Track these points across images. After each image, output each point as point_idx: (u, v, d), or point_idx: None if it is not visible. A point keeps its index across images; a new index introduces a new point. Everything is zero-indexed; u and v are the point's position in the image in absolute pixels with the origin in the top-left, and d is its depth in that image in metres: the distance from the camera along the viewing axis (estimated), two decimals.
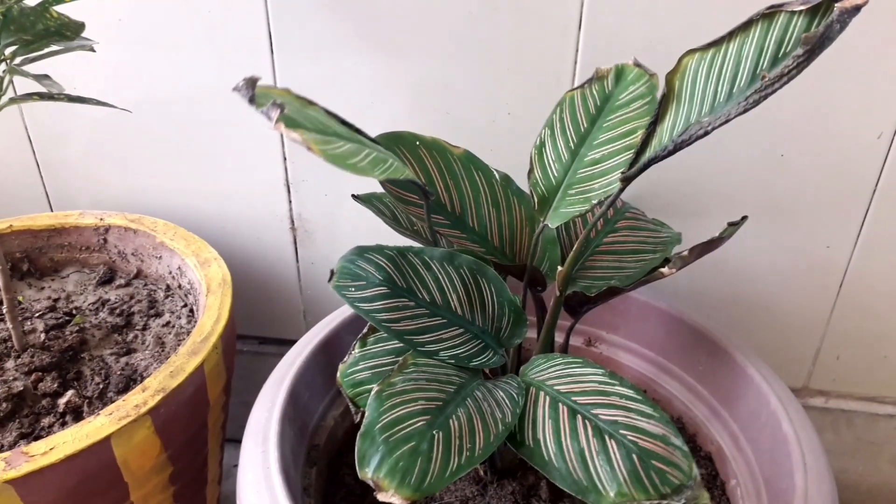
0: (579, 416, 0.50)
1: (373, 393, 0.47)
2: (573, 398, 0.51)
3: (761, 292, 0.89)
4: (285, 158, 0.90)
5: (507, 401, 0.51)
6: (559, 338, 0.75)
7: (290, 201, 0.93)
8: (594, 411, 0.50)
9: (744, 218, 0.62)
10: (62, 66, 0.86)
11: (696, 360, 0.75)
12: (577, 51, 0.77)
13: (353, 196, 0.69)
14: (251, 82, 0.42)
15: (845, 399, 0.96)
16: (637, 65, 0.62)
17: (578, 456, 0.47)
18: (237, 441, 0.65)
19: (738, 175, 0.81)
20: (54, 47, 0.66)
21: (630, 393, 0.50)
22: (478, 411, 0.49)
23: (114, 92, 0.89)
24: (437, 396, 0.49)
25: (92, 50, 0.67)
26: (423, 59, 0.80)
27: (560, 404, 0.51)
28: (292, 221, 0.95)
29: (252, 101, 0.41)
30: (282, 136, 0.89)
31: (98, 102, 0.64)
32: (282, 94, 0.45)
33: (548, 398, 0.52)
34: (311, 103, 0.48)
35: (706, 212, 0.84)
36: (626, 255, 0.70)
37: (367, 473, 0.42)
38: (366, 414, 0.46)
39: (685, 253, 0.60)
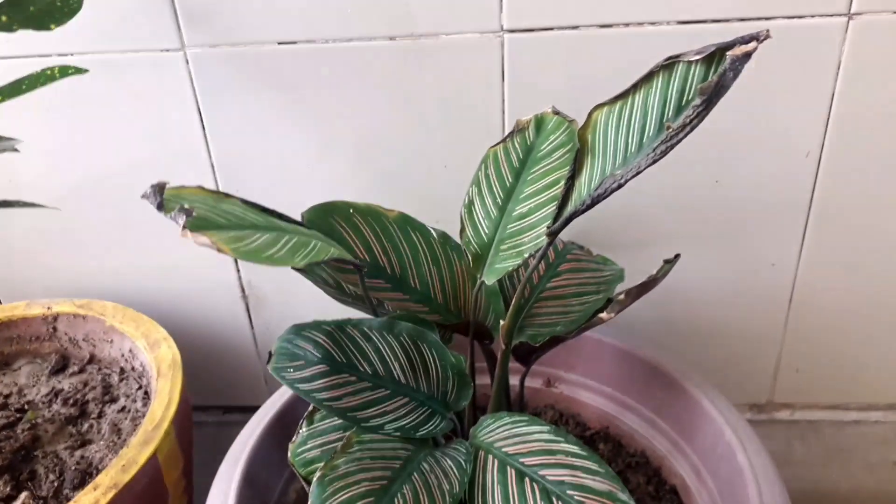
0: (527, 479, 0.50)
1: (315, 479, 0.47)
2: (521, 460, 0.51)
3: (714, 315, 0.90)
4: None
5: (454, 470, 0.51)
6: (515, 381, 0.75)
7: (238, 269, 0.93)
8: (541, 472, 0.50)
9: (677, 256, 0.63)
10: None
11: (652, 395, 0.75)
12: (503, 100, 0.78)
13: (293, 268, 0.69)
14: (159, 188, 0.42)
15: (811, 409, 0.97)
16: (556, 112, 0.63)
17: None
18: None
19: (677, 204, 0.83)
20: None
21: (575, 450, 0.51)
22: (424, 486, 0.49)
23: (50, 178, 0.89)
24: (382, 475, 0.49)
25: (16, 150, 0.67)
26: (354, 123, 0.81)
27: (508, 467, 0.51)
28: (242, 289, 0.95)
29: (160, 207, 0.41)
30: None
31: (24, 204, 0.64)
32: (194, 194, 0.46)
33: (496, 462, 0.52)
34: (227, 196, 0.48)
35: (650, 243, 0.85)
36: (570, 299, 0.70)
37: None
38: (308, 502, 0.46)
39: (622, 296, 0.61)
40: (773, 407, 0.98)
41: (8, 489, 0.71)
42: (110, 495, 0.63)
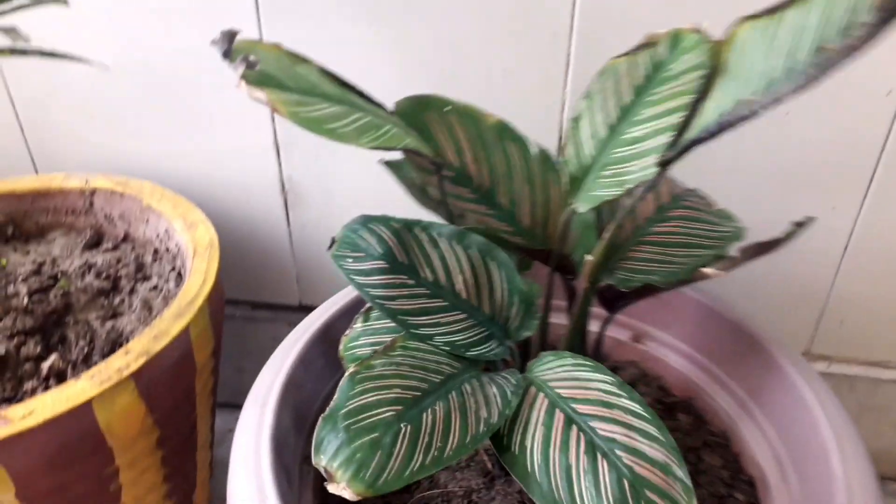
0: (574, 427, 0.52)
1: (346, 374, 0.51)
2: (573, 405, 0.53)
3: (763, 257, 0.91)
4: (273, 120, 0.96)
5: (498, 398, 0.54)
6: (596, 328, 0.76)
7: (280, 164, 1.00)
8: (592, 423, 0.52)
9: (810, 218, 0.62)
10: (40, 25, 0.94)
11: (749, 373, 0.76)
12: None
13: (381, 161, 0.71)
14: (230, 35, 0.45)
15: (849, 364, 1.01)
16: (696, 30, 0.63)
17: (564, 472, 0.49)
18: (231, 406, 0.69)
19: (741, 135, 0.84)
20: (24, 1, 0.71)
21: (637, 409, 0.52)
22: (460, 407, 0.52)
23: (94, 52, 0.96)
24: (418, 386, 0.52)
25: (65, 3, 0.71)
26: (419, 19, 0.84)
27: (557, 410, 0.53)
28: (282, 185, 1.01)
29: (226, 55, 0.44)
30: None
31: (73, 58, 0.69)
32: (268, 50, 0.49)
33: (546, 401, 0.54)
34: (303, 60, 0.51)
35: (707, 177, 0.85)
36: (674, 248, 0.71)
37: (322, 461, 0.46)
38: (334, 396, 0.50)
39: (735, 253, 0.61)
40: (809, 357, 1.02)
41: (38, 350, 0.80)
42: (141, 361, 0.70)
